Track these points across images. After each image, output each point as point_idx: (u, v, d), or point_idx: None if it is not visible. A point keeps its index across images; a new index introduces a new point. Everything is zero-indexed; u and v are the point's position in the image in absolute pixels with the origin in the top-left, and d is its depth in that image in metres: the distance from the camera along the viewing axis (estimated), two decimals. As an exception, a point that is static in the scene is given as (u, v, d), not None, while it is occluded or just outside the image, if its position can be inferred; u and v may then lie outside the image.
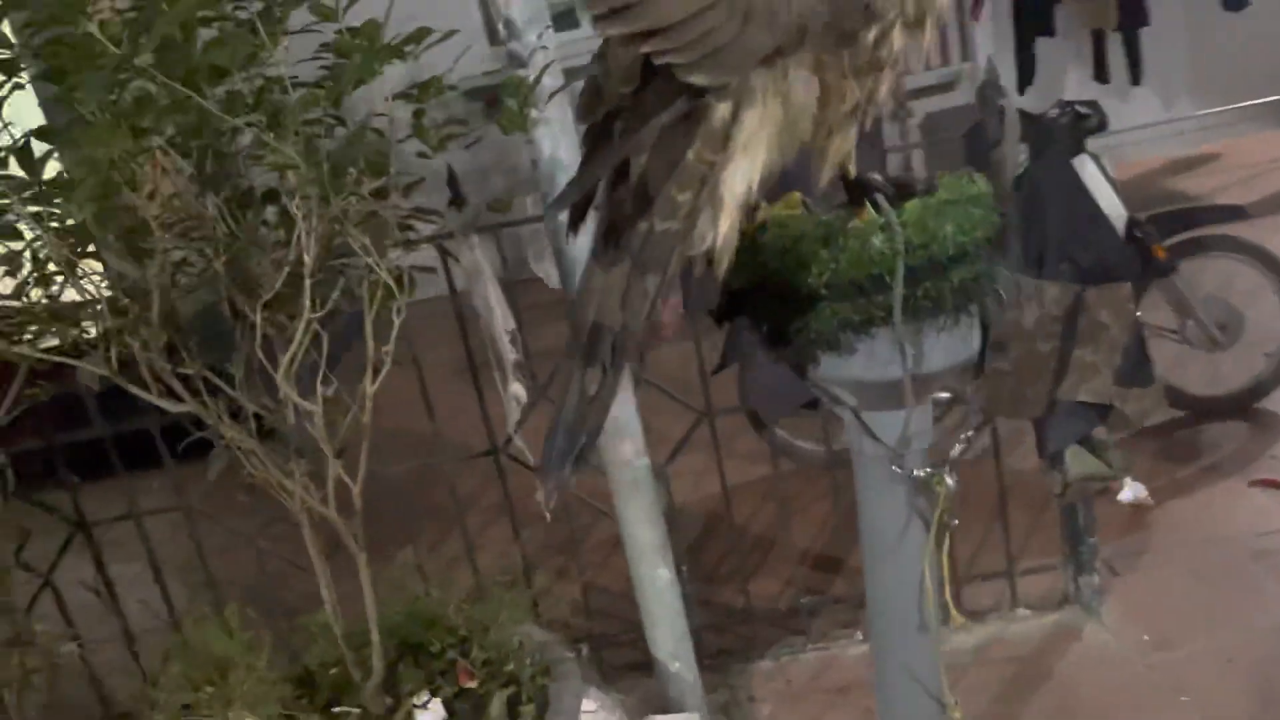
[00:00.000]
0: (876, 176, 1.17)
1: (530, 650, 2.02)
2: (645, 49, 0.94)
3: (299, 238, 1.30)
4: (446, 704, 1.90)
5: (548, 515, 2.34)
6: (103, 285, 1.36)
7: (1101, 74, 5.30)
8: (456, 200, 2.23)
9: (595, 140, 1.02)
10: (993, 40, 5.42)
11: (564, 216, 1.22)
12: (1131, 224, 2.68)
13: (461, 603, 2.06)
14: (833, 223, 1.13)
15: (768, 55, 0.97)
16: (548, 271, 2.43)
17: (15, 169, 1.25)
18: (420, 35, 1.43)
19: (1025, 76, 5.25)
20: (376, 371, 1.60)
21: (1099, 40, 5.27)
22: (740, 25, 0.95)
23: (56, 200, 1.33)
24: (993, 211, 1.12)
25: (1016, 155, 2.10)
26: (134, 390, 1.39)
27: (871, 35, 1.01)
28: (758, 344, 1.26)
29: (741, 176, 0.99)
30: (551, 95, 1.83)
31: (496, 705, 1.88)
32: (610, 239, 1.00)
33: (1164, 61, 5.35)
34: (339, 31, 1.49)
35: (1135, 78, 5.21)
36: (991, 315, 1.16)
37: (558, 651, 2.01)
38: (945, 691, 1.30)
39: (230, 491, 1.90)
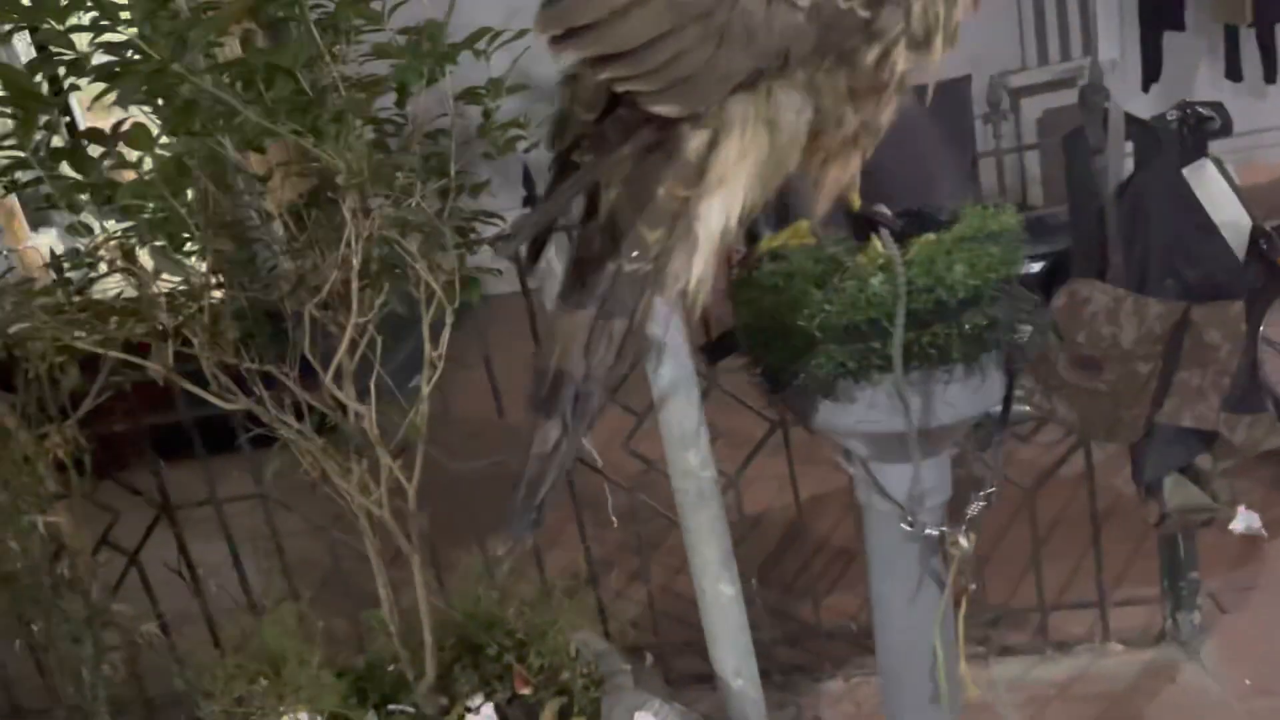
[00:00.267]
0: (883, 209, 1.07)
1: (586, 659, 1.99)
2: (604, 76, 0.85)
3: (348, 239, 1.28)
4: (499, 709, 1.88)
5: (614, 521, 2.33)
6: (159, 282, 1.38)
7: (1234, 71, 4.97)
8: (532, 199, 2.21)
9: (560, 171, 0.95)
10: (1118, 34, 5.15)
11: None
12: (1256, 234, 2.49)
13: (523, 606, 2.05)
14: (831, 260, 1.04)
15: (744, 81, 0.87)
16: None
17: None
18: (479, 35, 1.40)
19: (1151, 73, 4.98)
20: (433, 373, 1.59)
21: (1232, 35, 4.95)
22: (713, 49, 0.85)
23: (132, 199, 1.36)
24: (1016, 250, 1.02)
25: (1121, 163, 1.96)
26: (188, 386, 1.40)
27: (872, 55, 0.91)
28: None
29: (718, 213, 0.91)
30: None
31: (547, 715, 1.86)
32: (577, 279, 0.92)
33: (1303, 58, 5.00)
34: (407, 31, 1.47)
35: (1270, 75, 4.87)
36: (1018, 362, 1.06)
37: (615, 662, 1.98)
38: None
39: (306, 480, 1.93)
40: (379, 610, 1.86)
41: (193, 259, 1.46)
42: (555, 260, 2.20)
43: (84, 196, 1.21)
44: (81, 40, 1.18)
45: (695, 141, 0.89)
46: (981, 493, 1.10)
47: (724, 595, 2.08)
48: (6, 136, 1.16)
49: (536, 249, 1.05)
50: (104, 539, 2.37)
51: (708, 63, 0.85)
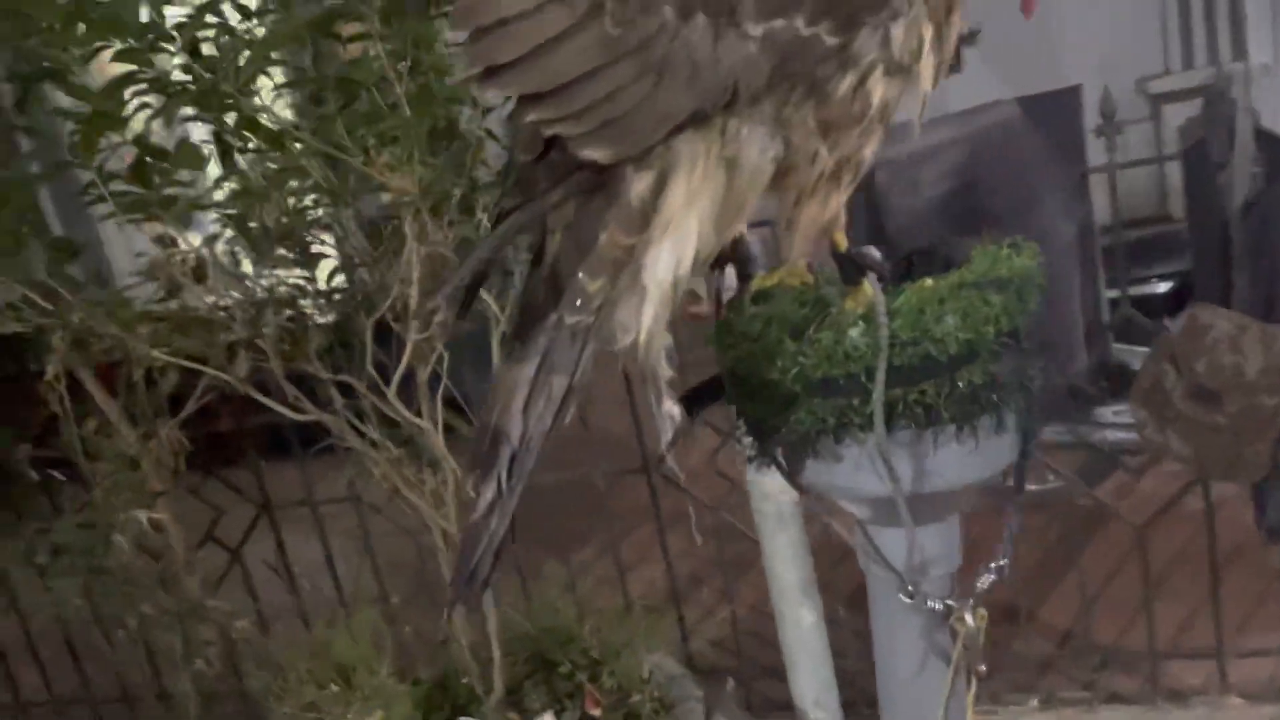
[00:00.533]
0: (872, 252, 0.96)
1: (658, 682, 1.96)
2: (531, 116, 0.78)
3: (408, 256, 1.29)
4: (568, 729, 1.87)
5: (698, 539, 2.29)
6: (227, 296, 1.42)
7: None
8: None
9: (501, 216, 0.88)
10: (1271, 37, 4.81)
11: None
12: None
13: (600, 623, 2.03)
14: (815, 305, 0.96)
15: (685, 121, 0.79)
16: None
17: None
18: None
19: (1308, 79, 4.62)
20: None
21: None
22: (650, 86, 0.77)
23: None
24: (1026, 299, 0.92)
25: (1246, 180, 1.81)
26: (257, 396, 1.43)
27: (846, 85, 0.82)
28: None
29: (667, 261, 0.82)
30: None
31: (614, 738, 1.83)
32: (520, 331, 0.86)
33: None
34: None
35: None
36: (1034, 421, 0.96)
37: (687, 687, 1.94)
38: None
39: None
40: (453, 621, 1.86)
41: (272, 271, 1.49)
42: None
43: (151, 210, 1.25)
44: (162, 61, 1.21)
45: (639, 185, 0.82)
46: (993, 564, 1.02)
47: (804, 621, 2.02)
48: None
49: (471, 295, 0.96)
50: (209, 535, 2.45)
51: (644, 101, 0.78)
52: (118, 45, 1.15)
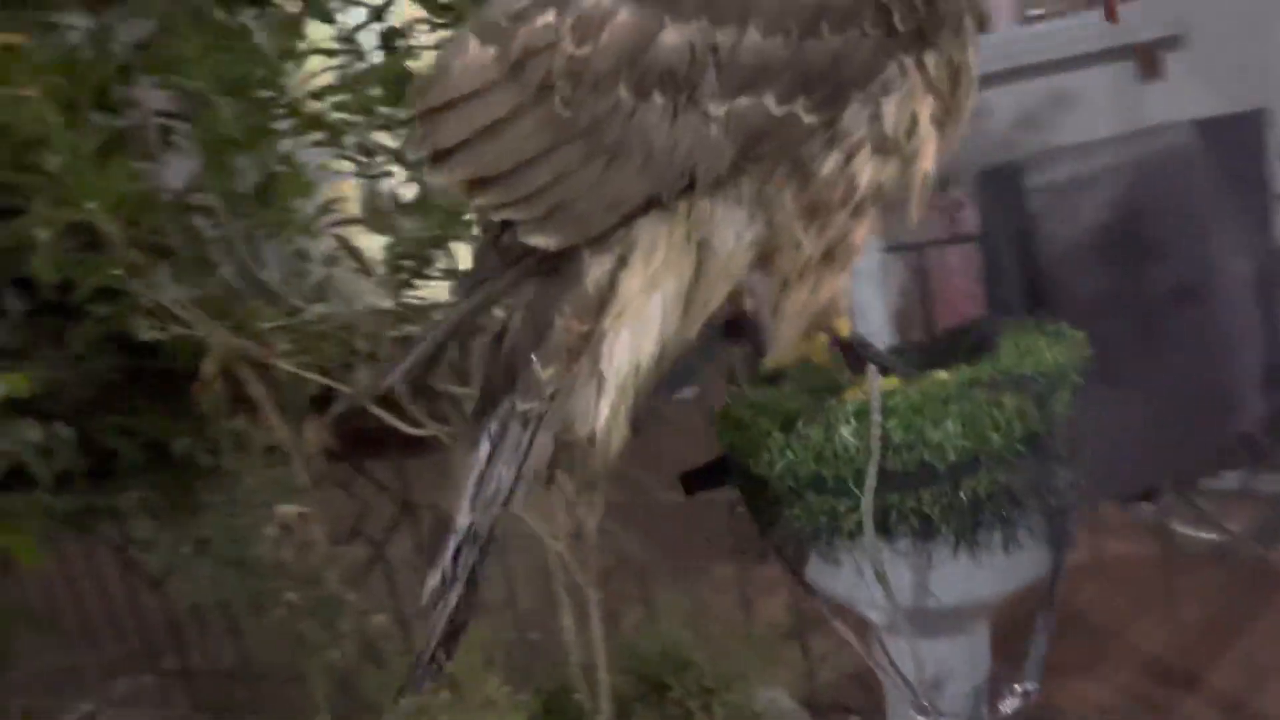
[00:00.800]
0: (874, 345, 0.89)
1: (770, 718, 1.90)
2: (478, 202, 0.76)
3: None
4: (673, 757, 1.84)
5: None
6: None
7: None
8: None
9: (467, 291, 0.86)
10: None
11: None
12: None
13: (717, 651, 1.99)
14: (816, 394, 0.89)
15: (637, 209, 0.74)
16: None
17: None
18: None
19: None
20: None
21: None
22: (601, 171, 0.73)
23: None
24: (1051, 402, 0.81)
25: None
26: (375, 410, 1.47)
27: (830, 165, 0.75)
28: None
29: (625, 351, 0.78)
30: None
31: (717, 772, 1.79)
32: (479, 413, 0.83)
33: None
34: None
35: None
36: (1067, 534, 0.85)
37: (799, 726, 1.87)
38: None
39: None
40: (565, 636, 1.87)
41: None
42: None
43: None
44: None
45: (597, 269, 0.78)
46: (1019, 686, 0.92)
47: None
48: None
49: (432, 364, 0.95)
50: (354, 530, 2.56)
51: (594, 187, 0.74)
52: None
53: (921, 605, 0.85)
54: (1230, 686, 2.25)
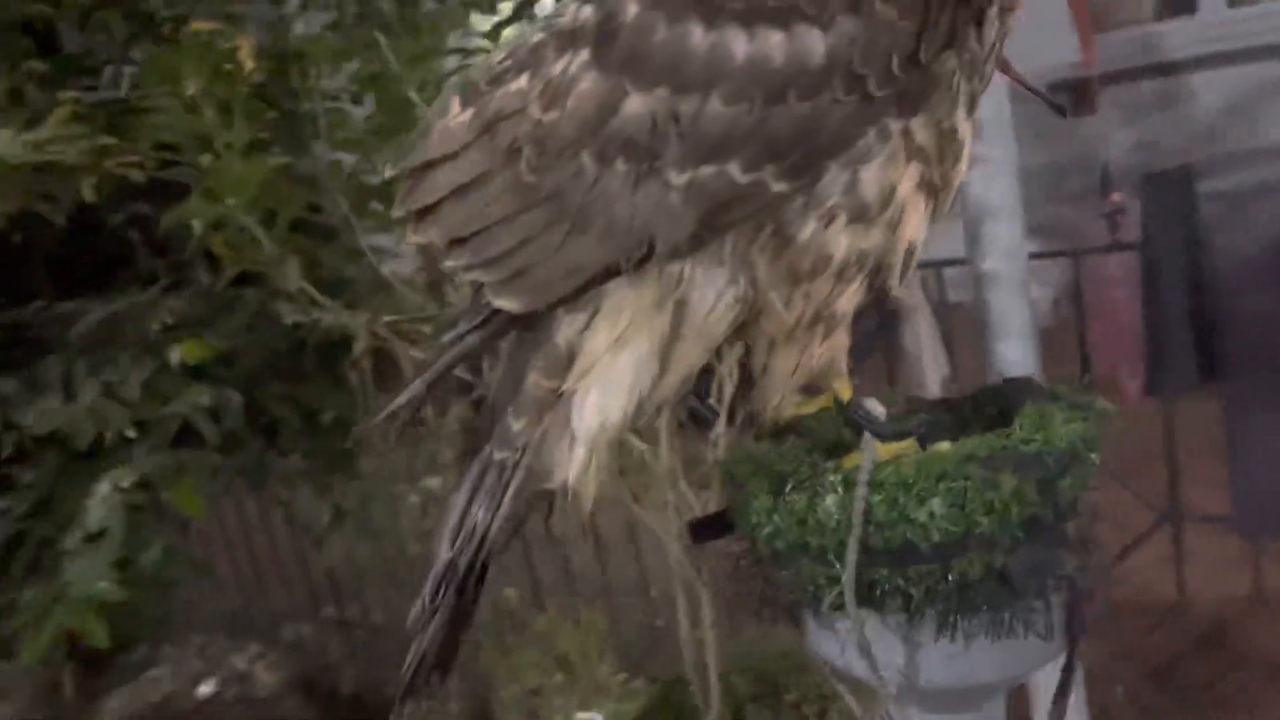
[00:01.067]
0: (874, 408, 0.82)
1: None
2: (449, 263, 0.77)
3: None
4: (782, 761, 1.82)
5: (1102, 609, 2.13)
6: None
7: None
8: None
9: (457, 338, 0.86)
10: None
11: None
12: None
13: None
14: (805, 456, 0.84)
15: (599, 274, 0.72)
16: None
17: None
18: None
19: None
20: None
21: None
22: (563, 236, 0.72)
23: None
24: (1057, 483, 0.72)
25: None
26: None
27: (807, 232, 0.71)
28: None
29: (593, 408, 0.78)
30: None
31: (823, 783, 1.76)
32: (467, 455, 0.86)
33: None
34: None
35: None
36: (1076, 625, 0.75)
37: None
38: None
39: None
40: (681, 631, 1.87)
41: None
42: (920, 293, 2.06)
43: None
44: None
45: (568, 328, 0.78)
46: None
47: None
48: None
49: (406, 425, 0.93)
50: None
51: (555, 253, 0.73)
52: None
53: (913, 684, 0.80)
54: None
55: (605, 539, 2.63)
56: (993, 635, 0.77)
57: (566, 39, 0.72)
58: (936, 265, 2.18)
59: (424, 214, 0.79)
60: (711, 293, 0.75)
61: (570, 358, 0.79)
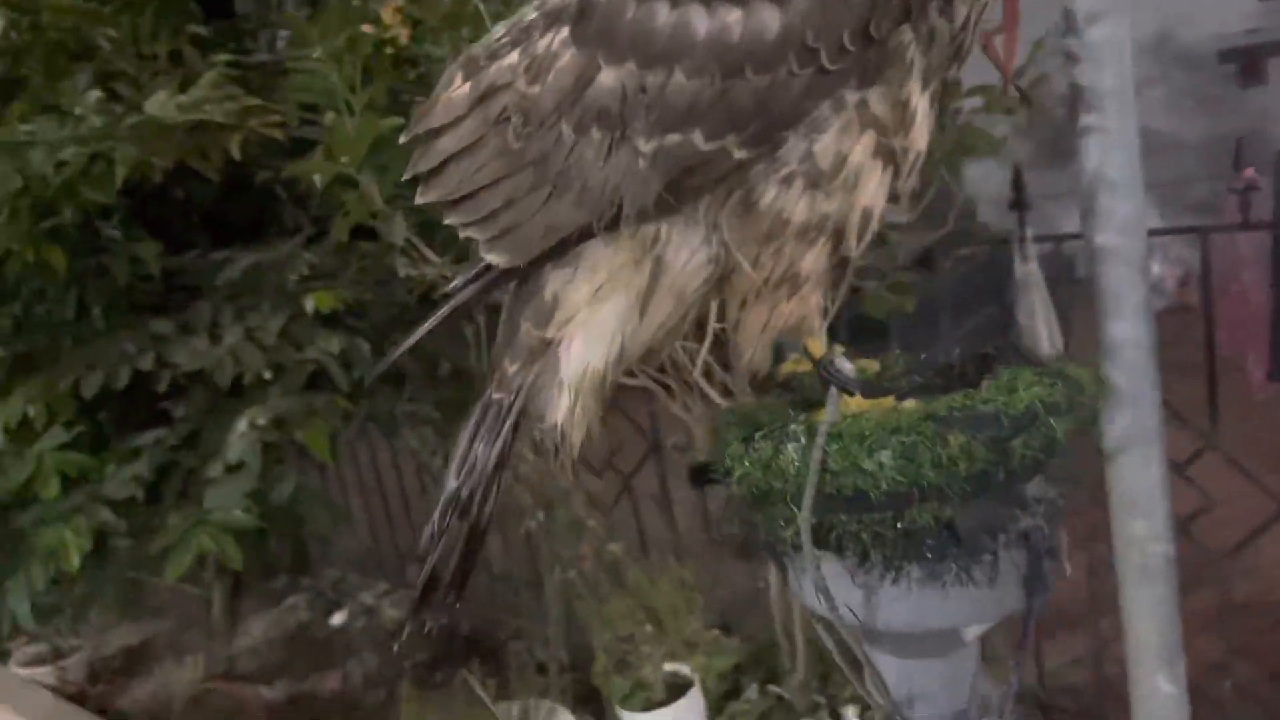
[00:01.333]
0: (843, 365, 0.84)
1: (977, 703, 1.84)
2: (447, 221, 0.84)
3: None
4: (866, 727, 1.83)
5: (1067, 569, 2.08)
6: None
7: None
8: (1019, 202, 2.01)
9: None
10: None
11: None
12: None
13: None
14: (785, 410, 0.87)
15: (575, 234, 0.78)
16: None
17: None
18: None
19: None
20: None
21: None
22: (544, 199, 0.79)
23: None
24: (1011, 442, 0.75)
25: None
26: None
27: (768, 196, 0.76)
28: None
29: (578, 356, 0.84)
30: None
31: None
32: (477, 396, 0.93)
33: None
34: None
35: None
36: (1037, 580, 0.73)
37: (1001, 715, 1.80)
38: None
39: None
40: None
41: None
42: (1038, 271, 2.01)
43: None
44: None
45: (555, 282, 0.84)
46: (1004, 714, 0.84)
47: (1160, 693, 1.76)
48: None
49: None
50: (608, 463, 2.72)
51: (536, 214, 0.79)
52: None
53: (873, 625, 0.82)
54: None
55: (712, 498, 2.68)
56: (938, 583, 0.79)
57: (552, 17, 0.79)
58: (1057, 239, 2.12)
59: (430, 176, 0.86)
60: (686, 252, 0.80)
61: (556, 309, 0.86)
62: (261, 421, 2.20)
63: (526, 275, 0.87)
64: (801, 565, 0.89)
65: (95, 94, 1.99)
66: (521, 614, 2.87)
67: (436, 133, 0.86)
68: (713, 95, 0.74)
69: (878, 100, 0.76)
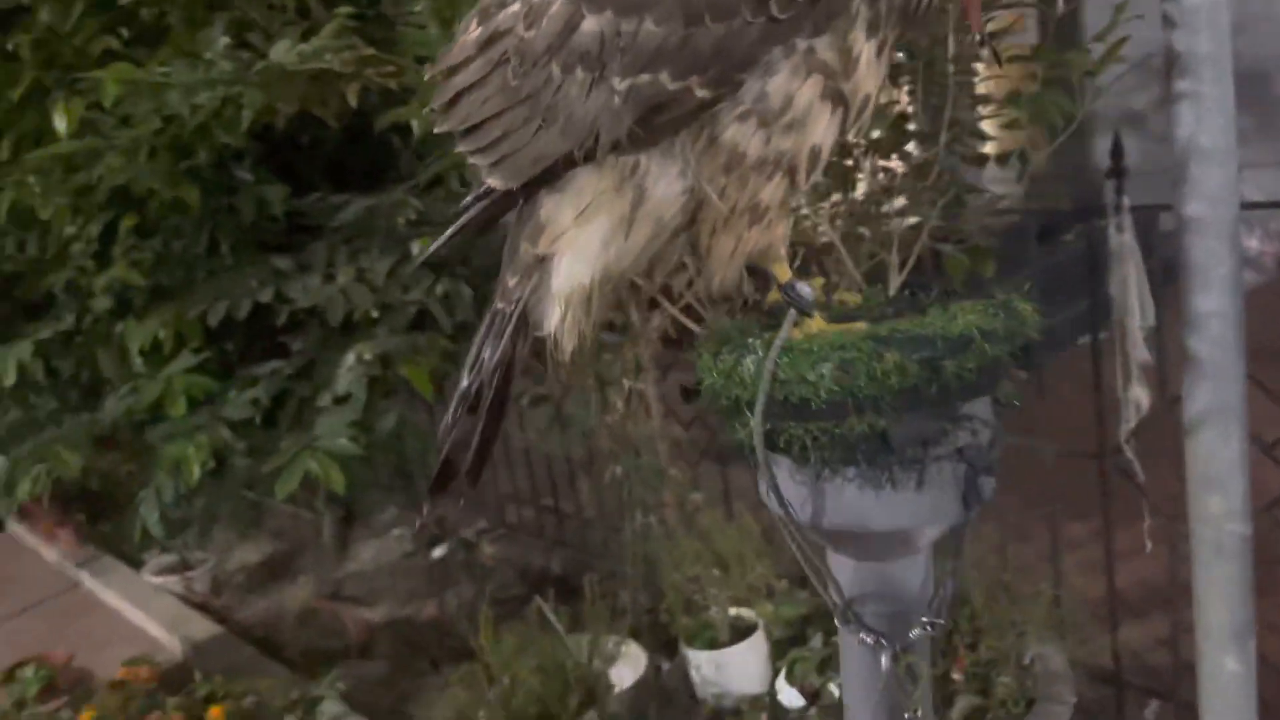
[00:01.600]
0: (803, 288, 0.92)
1: (1035, 675, 1.85)
2: (458, 149, 0.94)
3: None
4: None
5: (1148, 545, 2.06)
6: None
7: None
8: (1116, 170, 1.97)
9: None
10: None
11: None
12: None
13: (997, 598, 1.96)
14: (749, 331, 0.95)
15: (559, 162, 0.88)
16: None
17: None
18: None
19: None
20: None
21: None
22: (535, 131, 0.88)
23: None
24: (940, 363, 0.83)
25: None
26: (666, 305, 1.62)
27: (728, 133, 0.84)
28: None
29: (565, 272, 0.93)
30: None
31: (959, 709, 1.79)
32: (489, 306, 1.01)
33: None
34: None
35: None
36: (979, 490, 0.84)
37: (1062, 690, 1.80)
38: None
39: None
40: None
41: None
42: (1133, 243, 1.97)
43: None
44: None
45: (548, 205, 0.93)
46: (925, 619, 0.88)
47: (1226, 672, 1.74)
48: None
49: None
50: (697, 415, 2.79)
51: (527, 144, 0.89)
52: None
53: (819, 524, 0.90)
54: None
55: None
56: (871, 486, 0.85)
57: None
58: (1153, 209, 2.07)
59: (447, 109, 0.98)
60: (664, 183, 0.89)
61: (547, 228, 0.95)
62: (368, 357, 2.34)
63: (526, 199, 0.97)
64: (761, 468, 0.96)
65: (225, 40, 2.13)
66: (608, 556, 2.97)
67: (452, 70, 0.97)
68: (678, 41, 0.83)
69: (825, 47, 0.84)
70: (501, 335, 1.00)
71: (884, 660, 0.93)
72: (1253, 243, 4.43)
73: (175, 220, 2.69)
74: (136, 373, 2.62)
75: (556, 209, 0.94)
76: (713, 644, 1.94)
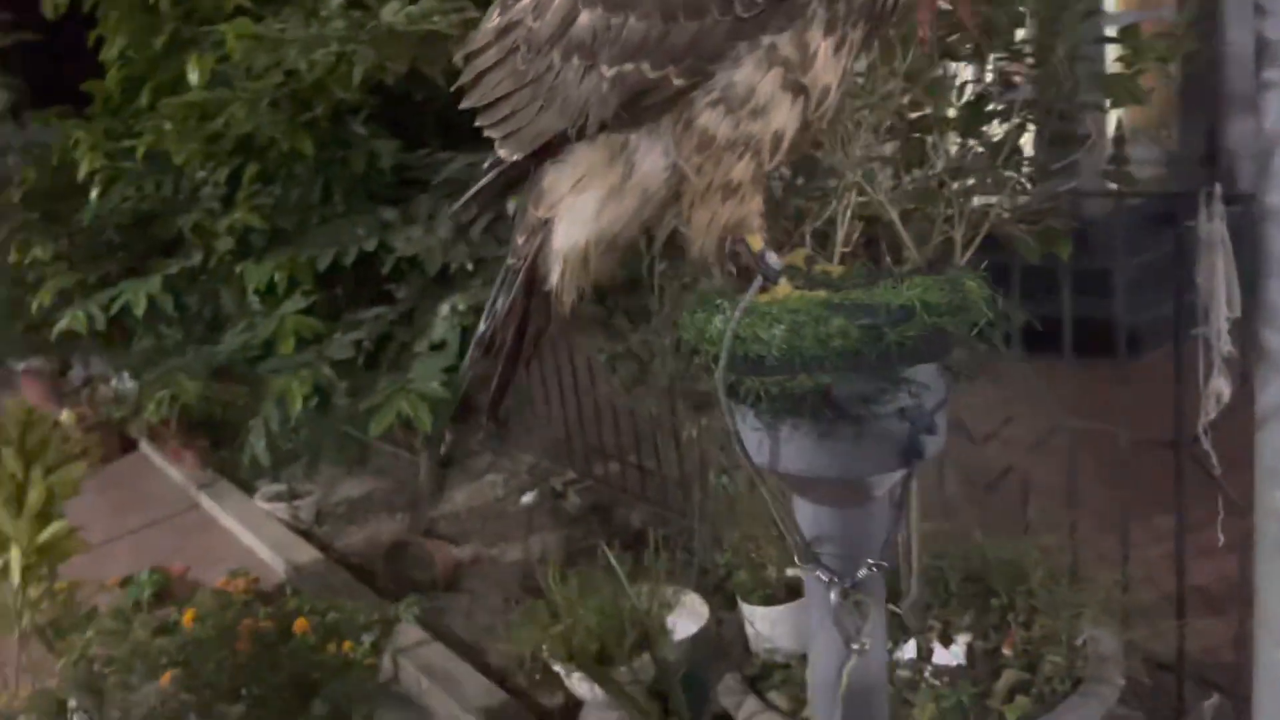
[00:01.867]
0: (770, 258, 1.00)
1: (1085, 656, 1.86)
2: (478, 123, 1.05)
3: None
4: (971, 652, 1.89)
5: (1220, 537, 2.03)
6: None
7: None
8: (1210, 157, 1.93)
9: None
10: None
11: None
12: None
13: (1054, 577, 1.97)
14: (721, 293, 1.04)
15: (556, 137, 0.99)
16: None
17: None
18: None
19: None
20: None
21: None
22: (538, 110, 0.99)
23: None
24: (882, 331, 0.90)
25: None
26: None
27: (701, 117, 0.94)
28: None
29: (563, 233, 1.04)
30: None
31: (1002, 683, 1.82)
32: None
33: None
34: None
35: None
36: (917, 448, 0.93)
37: (1111, 672, 1.81)
38: None
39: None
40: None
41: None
42: (1223, 230, 1.93)
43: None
44: None
45: (550, 174, 1.04)
46: (870, 561, 0.92)
47: (1276, 661, 1.73)
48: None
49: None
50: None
51: (530, 121, 1.01)
52: None
53: (774, 469, 0.99)
54: None
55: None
56: (816, 436, 0.91)
57: None
58: (1244, 199, 2.02)
59: (471, 87, 1.09)
60: (650, 159, 1.00)
61: (547, 194, 1.07)
62: (462, 307, 2.47)
63: (535, 169, 1.08)
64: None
65: (339, 1, 2.26)
66: (686, 513, 3.06)
67: (475, 54, 1.09)
68: (657, 35, 0.94)
69: (785, 43, 0.93)
70: (512, 287, 1.12)
71: (833, 595, 1.02)
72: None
73: (293, 169, 2.86)
74: (253, 311, 2.81)
75: (557, 178, 1.05)
76: (768, 600, 2.01)
